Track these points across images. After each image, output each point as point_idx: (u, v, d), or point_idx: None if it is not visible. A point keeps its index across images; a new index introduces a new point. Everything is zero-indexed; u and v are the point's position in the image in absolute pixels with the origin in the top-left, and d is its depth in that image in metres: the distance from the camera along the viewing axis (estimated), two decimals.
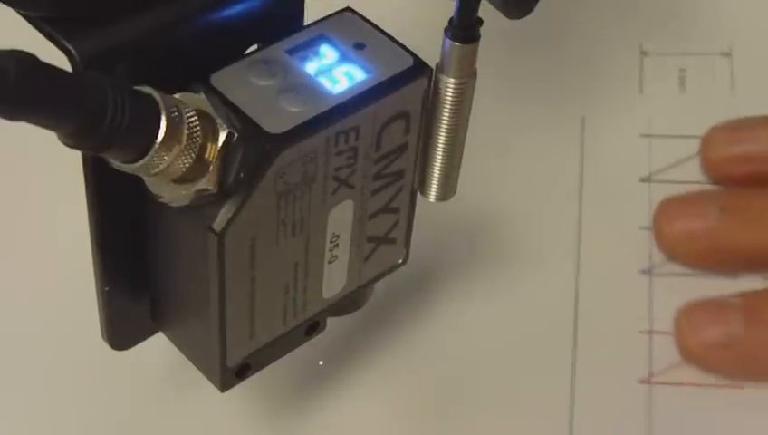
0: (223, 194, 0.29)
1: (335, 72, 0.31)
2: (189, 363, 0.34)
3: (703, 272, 0.43)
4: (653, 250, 0.44)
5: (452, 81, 0.32)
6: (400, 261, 0.37)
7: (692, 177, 0.46)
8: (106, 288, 0.33)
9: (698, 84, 0.50)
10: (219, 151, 0.28)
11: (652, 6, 0.52)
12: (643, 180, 0.46)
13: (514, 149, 0.47)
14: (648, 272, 0.43)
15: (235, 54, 0.31)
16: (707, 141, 0.46)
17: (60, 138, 0.26)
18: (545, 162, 0.47)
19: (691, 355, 0.41)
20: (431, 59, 0.32)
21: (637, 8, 0.52)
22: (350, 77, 0.31)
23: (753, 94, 0.49)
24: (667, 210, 0.44)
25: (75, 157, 0.29)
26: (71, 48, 0.27)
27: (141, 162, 0.27)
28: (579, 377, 0.41)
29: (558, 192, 0.46)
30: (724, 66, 0.50)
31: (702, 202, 0.44)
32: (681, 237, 0.43)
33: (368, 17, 0.32)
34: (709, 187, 0.46)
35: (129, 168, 0.27)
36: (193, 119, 0.28)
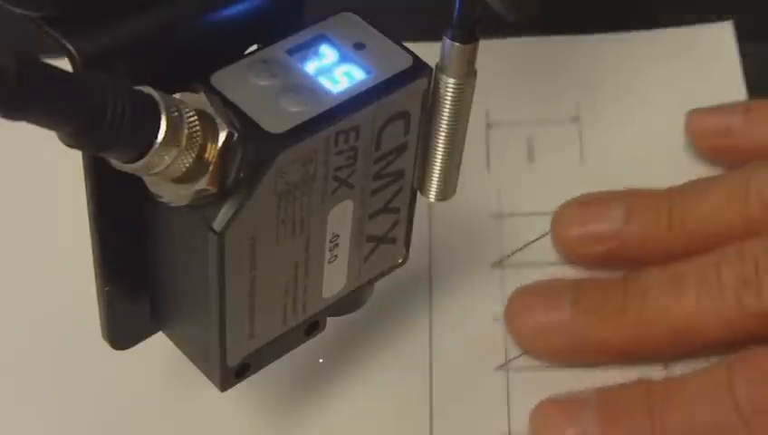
0: (223, 194, 0.29)
1: (335, 72, 0.31)
2: (189, 363, 0.34)
3: (560, 366, 0.41)
4: (508, 343, 0.41)
5: (452, 81, 0.32)
6: (400, 261, 0.37)
7: (546, 258, 0.43)
8: (106, 288, 0.33)
9: (547, 154, 0.46)
10: (219, 151, 0.28)
11: (494, 73, 0.45)
12: (495, 266, 0.43)
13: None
14: (505, 367, 0.41)
15: (235, 54, 0.31)
16: (557, 220, 0.43)
17: (60, 137, 0.26)
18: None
19: None
20: (431, 59, 0.32)
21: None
22: (350, 77, 0.31)
23: (602, 162, 0.46)
24: (518, 304, 0.41)
25: (75, 157, 0.29)
26: (71, 48, 0.27)
27: (141, 162, 0.27)
28: None
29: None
30: (572, 132, 0.47)
31: (553, 294, 0.41)
32: (534, 333, 0.41)
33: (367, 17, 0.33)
34: (564, 268, 0.43)
35: (129, 168, 0.27)
36: (193, 119, 0.28)
